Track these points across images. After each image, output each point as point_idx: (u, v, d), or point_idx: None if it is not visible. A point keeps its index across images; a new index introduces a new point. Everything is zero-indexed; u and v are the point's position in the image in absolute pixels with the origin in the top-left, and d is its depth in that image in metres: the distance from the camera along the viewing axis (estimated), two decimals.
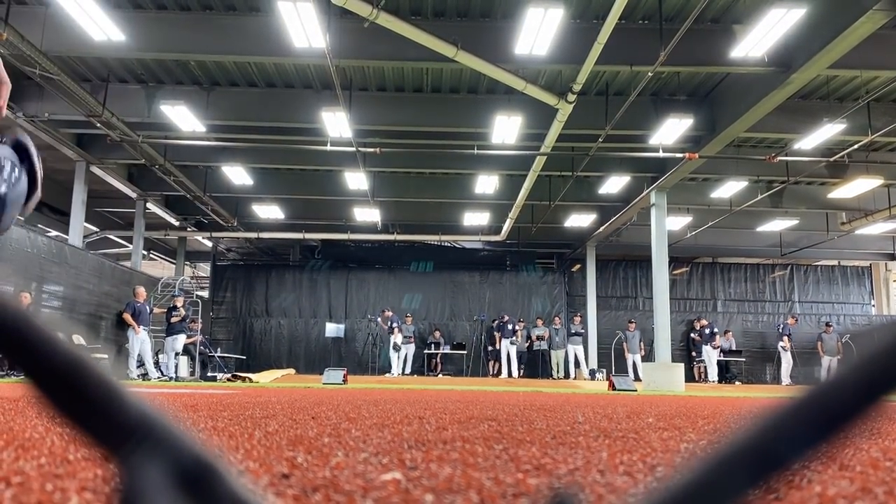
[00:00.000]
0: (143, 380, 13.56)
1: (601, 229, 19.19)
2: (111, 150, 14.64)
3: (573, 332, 19.41)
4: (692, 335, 20.75)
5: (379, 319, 19.50)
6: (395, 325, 18.99)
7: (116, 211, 20.56)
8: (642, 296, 22.90)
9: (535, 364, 20.23)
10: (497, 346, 19.32)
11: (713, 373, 18.84)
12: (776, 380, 21.24)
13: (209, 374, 16.00)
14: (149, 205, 18.50)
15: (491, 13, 10.54)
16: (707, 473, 0.33)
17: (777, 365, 20.93)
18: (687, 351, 21.25)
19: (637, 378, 17.16)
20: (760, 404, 0.35)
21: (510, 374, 18.56)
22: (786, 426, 0.32)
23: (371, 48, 10.51)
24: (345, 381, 11.90)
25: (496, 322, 19.87)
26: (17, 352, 0.34)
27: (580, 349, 19.38)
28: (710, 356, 18.97)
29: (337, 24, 10.18)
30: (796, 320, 19.77)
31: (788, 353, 18.74)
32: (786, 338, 18.59)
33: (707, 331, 19.22)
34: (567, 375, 19.26)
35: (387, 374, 18.06)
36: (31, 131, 13.21)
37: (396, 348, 18.73)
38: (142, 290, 14.61)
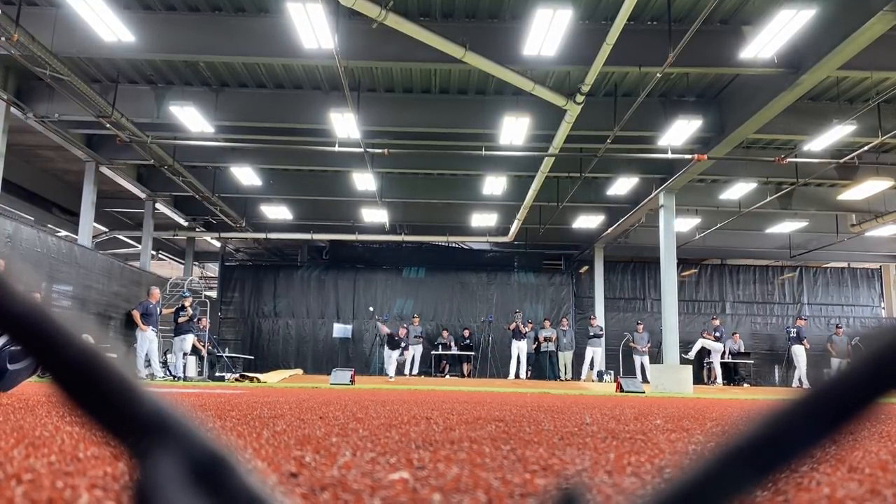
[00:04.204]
0: (151, 380, 13.61)
1: (609, 231, 19.14)
2: (120, 150, 14.71)
3: (592, 334, 19.21)
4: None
5: (380, 325, 18.41)
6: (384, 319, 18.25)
7: (125, 211, 20.65)
8: (650, 297, 22.84)
9: (542, 365, 20.18)
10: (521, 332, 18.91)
11: (718, 374, 18.66)
12: (785, 382, 21.13)
13: (217, 374, 16.05)
14: (158, 205, 18.58)
15: (499, 14, 10.54)
16: (712, 470, 0.33)
17: (787, 367, 20.82)
18: (698, 354, 21.17)
19: (644, 380, 17.11)
20: (767, 405, 0.35)
21: (518, 376, 18.53)
22: (789, 423, 0.32)
23: (379, 49, 10.53)
24: (352, 381, 11.93)
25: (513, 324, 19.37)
26: (33, 345, 0.34)
27: (598, 351, 19.19)
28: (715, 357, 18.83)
29: (345, 25, 10.20)
30: (806, 321, 19.40)
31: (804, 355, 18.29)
32: (805, 341, 18.27)
33: (717, 333, 19.10)
34: (579, 377, 19.19)
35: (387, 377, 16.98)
36: (41, 132, 13.30)
37: (393, 346, 17.49)
38: (156, 291, 14.71)
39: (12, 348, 2.89)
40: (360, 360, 21.18)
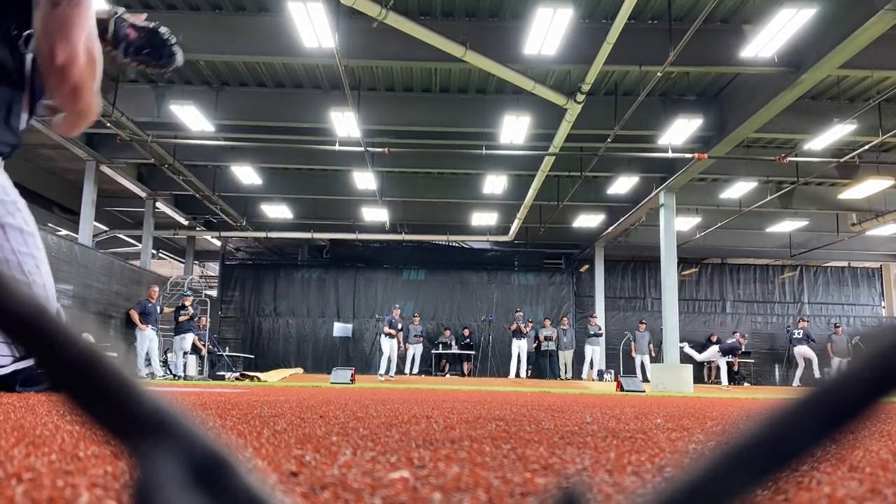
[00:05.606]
0: (151, 378, 13.62)
1: (610, 230, 19.14)
2: (121, 149, 14.71)
3: (591, 332, 19.19)
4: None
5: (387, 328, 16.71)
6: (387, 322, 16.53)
7: (126, 210, 20.66)
8: (651, 297, 22.84)
9: (542, 365, 20.19)
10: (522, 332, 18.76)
11: (724, 376, 18.58)
12: (785, 381, 21.12)
13: (217, 373, 16.07)
14: (158, 204, 18.58)
15: (500, 13, 10.54)
16: (713, 469, 0.33)
17: (787, 367, 20.81)
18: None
19: (645, 379, 17.11)
20: (768, 404, 0.35)
21: (518, 375, 18.53)
22: (791, 423, 0.32)
23: (380, 48, 10.53)
24: (352, 380, 11.92)
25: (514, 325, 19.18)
26: (32, 344, 0.34)
27: (598, 350, 19.17)
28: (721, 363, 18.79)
29: (346, 24, 10.20)
30: (808, 323, 19.21)
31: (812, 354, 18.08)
32: (811, 342, 18.15)
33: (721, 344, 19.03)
34: (579, 376, 19.19)
35: (378, 376, 15.58)
36: (41, 130, 13.29)
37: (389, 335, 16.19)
38: (155, 290, 14.73)
39: (26, 369, 2.90)
40: (361, 359, 21.18)
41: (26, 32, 2.27)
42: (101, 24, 2.51)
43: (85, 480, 0.81)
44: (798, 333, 18.16)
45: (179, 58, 2.66)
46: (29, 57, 2.32)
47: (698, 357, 19.09)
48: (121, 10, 2.58)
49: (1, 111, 2.29)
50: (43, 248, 2.63)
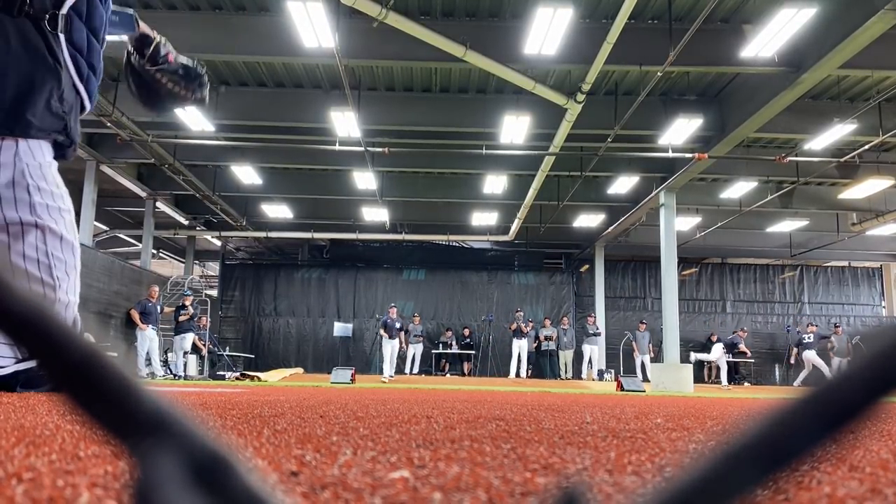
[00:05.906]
0: (151, 378, 13.63)
1: (610, 230, 19.14)
2: (121, 149, 14.72)
3: (591, 332, 19.21)
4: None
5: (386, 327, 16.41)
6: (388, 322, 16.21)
7: (126, 210, 20.66)
8: (651, 296, 22.84)
9: (542, 364, 20.19)
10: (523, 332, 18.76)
11: (724, 376, 18.59)
12: (785, 381, 21.12)
13: (218, 372, 16.06)
14: (158, 204, 18.59)
15: (500, 13, 10.54)
16: (713, 469, 0.33)
17: (787, 367, 20.80)
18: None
19: (645, 379, 17.11)
20: (768, 404, 0.35)
21: (518, 375, 18.53)
22: (792, 422, 0.32)
23: (380, 48, 10.53)
24: (353, 380, 11.92)
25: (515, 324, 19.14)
26: (33, 345, 0.34)
27: (596, 349, 19.19)
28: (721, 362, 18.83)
29: (346, 23, 10.21)
30: (816, 327, 19.02)
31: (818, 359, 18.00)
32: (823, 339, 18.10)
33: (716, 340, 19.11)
34: (580, 375, 19.19)
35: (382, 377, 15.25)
36: None
37: (392, 335, 16.01)
38: (155, 290, 14.74)
39: (28, 370, 2.92)
40: (361, 358, 21.18)
41: (49, 12, 2.31)
42: (146, 38, 2.96)
43: (85, 480, 0.81)
44: (808, 338, 18.07)
45: (206, 92, 2.97)
46: (62, 37, 2.38)
47: (709, 358, 19.22)
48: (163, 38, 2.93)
49: (41, 96, 2.31)
50: (78, 258, 2.68)
